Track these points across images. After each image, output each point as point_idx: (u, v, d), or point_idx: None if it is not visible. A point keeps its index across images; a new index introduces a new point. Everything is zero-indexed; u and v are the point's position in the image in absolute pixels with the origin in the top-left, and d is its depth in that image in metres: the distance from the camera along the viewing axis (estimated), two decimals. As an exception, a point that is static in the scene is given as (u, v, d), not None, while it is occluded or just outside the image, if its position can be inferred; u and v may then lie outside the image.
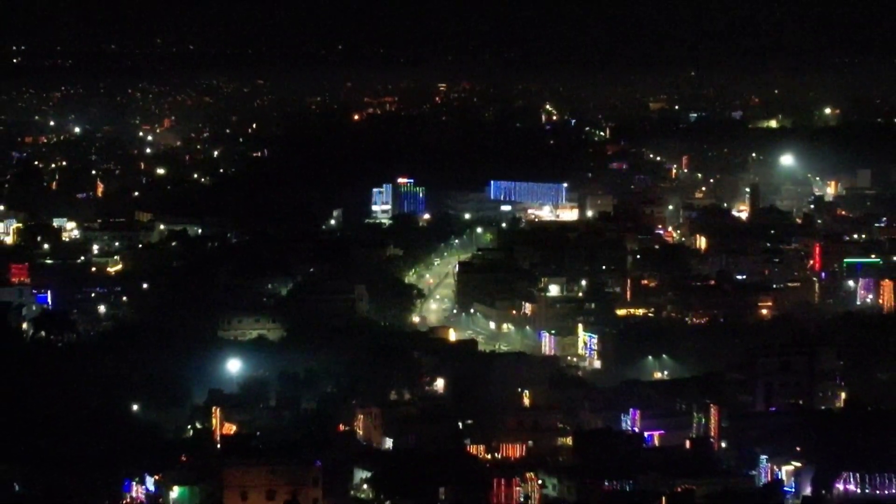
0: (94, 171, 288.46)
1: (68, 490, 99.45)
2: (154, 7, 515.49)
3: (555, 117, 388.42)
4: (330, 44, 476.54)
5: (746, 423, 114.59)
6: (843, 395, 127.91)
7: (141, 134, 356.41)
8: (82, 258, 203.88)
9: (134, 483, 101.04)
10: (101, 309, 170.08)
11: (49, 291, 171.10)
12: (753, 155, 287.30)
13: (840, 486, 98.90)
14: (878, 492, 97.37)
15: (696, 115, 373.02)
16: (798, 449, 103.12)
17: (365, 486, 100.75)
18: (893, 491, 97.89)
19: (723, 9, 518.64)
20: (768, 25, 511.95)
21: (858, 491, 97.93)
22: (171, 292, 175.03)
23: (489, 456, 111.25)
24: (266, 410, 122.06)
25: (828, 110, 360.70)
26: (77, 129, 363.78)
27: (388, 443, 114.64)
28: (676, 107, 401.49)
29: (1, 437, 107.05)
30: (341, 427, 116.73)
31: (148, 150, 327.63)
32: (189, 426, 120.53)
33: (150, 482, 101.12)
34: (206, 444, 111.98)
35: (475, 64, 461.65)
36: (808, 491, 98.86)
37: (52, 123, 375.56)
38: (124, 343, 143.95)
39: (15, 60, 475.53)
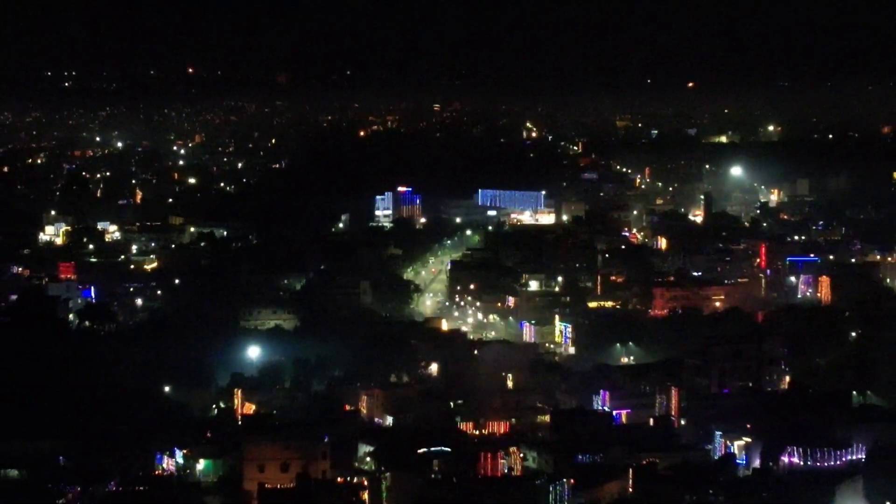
0: (133, 181, 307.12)
1: (107, 463, 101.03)
2: (188, 38, 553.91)
3: (534, 134, 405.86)
4: (340, 70, 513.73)
5: (703, 403, 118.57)
6: (787, 378, 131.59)
7: (175, 148, 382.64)
8: (122, 257, 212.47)
9: (165, 456, 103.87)
10: (138, 302, 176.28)
11: (93, 286, 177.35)
12: (707, 166, 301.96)
13: (785, 459, 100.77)
14: (818, 464, 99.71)
15: (656, 131, 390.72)
16: (748, 426, 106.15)
17: (368, 459, 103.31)
18: (832, 463, 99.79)
19: (680, 39, 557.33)
20: (720, 52, 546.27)
21: (801, 463, 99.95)
22: (199, 287, 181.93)
23: (477, 432, 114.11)
24: (281, 392, 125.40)
25: (771, 127, 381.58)
26: (119, 144, 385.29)
27: (389, 420, 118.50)
28: (640, 124, 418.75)
29: (47, 417, 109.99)
30: (347, 407, 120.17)
31: (181, 162, 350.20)
32: (213, 406, 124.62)
33: (178, 455, 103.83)
34: (229, 422, 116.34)
35: (464, 87, 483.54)
36: (756, 463, 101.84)
37: (97, 139, 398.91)
38: (157, 332, 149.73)
39: (66, 84, 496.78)
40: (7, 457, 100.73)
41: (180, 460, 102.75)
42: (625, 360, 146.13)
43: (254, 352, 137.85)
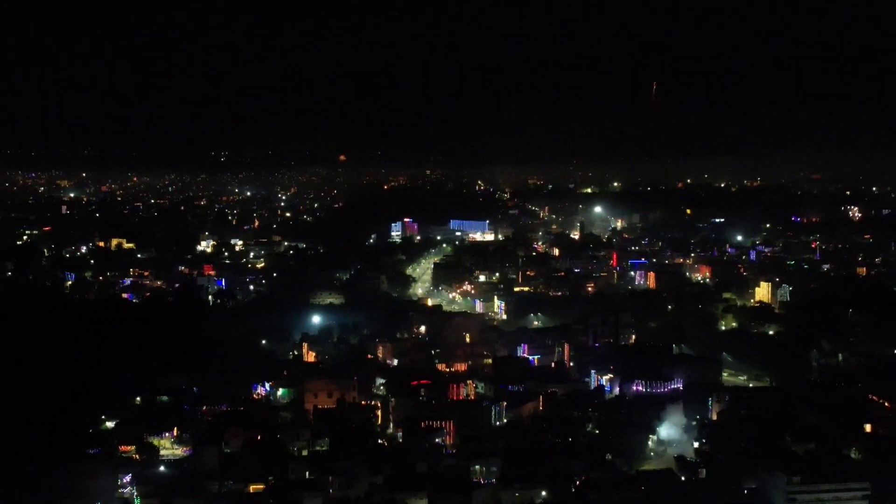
0: (254, 214, 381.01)
1: (222, 391, 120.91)
2: (290, 131, 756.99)
3: (482, 187, 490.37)
4: (373, 151, 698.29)
5: (583, 353, 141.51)
6: (633, 336, 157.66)
7: (279, 196, 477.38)
8: (243, 260, 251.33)
9: (259, 386, 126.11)
10: (250, 288, 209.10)
11: (223, 279, 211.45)
12: (580, 206, 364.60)
13: (634, 388, 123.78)
14: (654, 391, 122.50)
15: (551, 185, 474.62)
16: (611, 367, 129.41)
17: (381, 388, 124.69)
18: (662, 391, 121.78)
19: (567, 130, 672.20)
20: (588, 137, 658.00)
21: (644, 390, 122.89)
22: (286, 278, 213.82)
23: (448, 370, 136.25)
24: (331, 345, 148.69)
25: (615, 183, 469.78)
26: (248, 193, 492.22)
27: (395, 362, 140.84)
28: (542, 182, 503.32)
29: (187, 361, 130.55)
30: (369, 355, 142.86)
31: (282, 204, 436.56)
32: (290, 353, 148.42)
33: (266, 386, 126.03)
34: (298, 365, 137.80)
35: (443, 161, 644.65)
36: (616, 391, 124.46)
37: (236, 190, 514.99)
38: (259, 306, 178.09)
39: (221, 158, 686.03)
40: (161, 388, 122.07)
41: (267, 389, 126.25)
42: (536, 324, 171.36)
43: (315, 319, 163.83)
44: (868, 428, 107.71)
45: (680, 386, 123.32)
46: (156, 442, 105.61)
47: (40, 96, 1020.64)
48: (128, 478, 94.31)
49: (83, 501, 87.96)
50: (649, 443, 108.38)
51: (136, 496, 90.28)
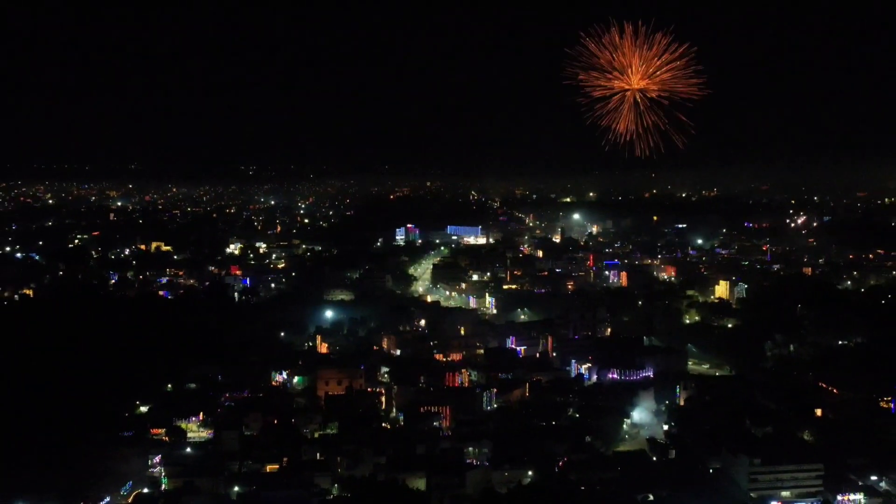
0: (276, 220, 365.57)
1: (244, 378, 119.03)
2: (310, 149, 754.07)
3: (475, 197, 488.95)
4: (381, 165, 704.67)
5: (564, 344, 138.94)
6: (609, 329, 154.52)
7: (299, 204, 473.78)
8: (267, 261, 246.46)
9: (276, 374, 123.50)
10: (272, 285, 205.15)
11: (248, 277, 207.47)
12: (560, 213, 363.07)
13: (609, 375, 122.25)
14: (627, 378, 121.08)
15: (535, 195, 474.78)
16: (590, 357, 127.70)
17: (385, 376, 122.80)
18: (635, 378, 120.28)
19: (550, 148, 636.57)
20: (565, 156, 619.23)
21: (618, 378, 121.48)
22: (303, 277, 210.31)
23: (445, 359, 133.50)
24: (341, 337, 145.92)
25: (591, 194, 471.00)
26: (272, 202, 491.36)
27: (398, 352, 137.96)
28: (528, 192, 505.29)
29: (215, 352, 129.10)
30: (376, 347, 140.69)
31: (301, 211, 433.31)
32: (305, 344, 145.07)
33: (284, 374, 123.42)
34: (312, 355, 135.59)
35: (442, 174, 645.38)
36: (594, 378, 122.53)
37: (262, 200, 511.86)
38: (280, 302, 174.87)
39: (250, 172, 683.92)
40: (190, 376, 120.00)
41: (284, 377, 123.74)
42: (523, 318, 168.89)
43: (328, 313, 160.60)
44: (819, 412, 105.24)
45: (650, 374, 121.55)
46: (183, 425, 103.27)
47: (96, 119, 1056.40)
48: (157, 458, 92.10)
49: (116, 481, 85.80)
50: (624, 426, 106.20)
51: (164, 476, 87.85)
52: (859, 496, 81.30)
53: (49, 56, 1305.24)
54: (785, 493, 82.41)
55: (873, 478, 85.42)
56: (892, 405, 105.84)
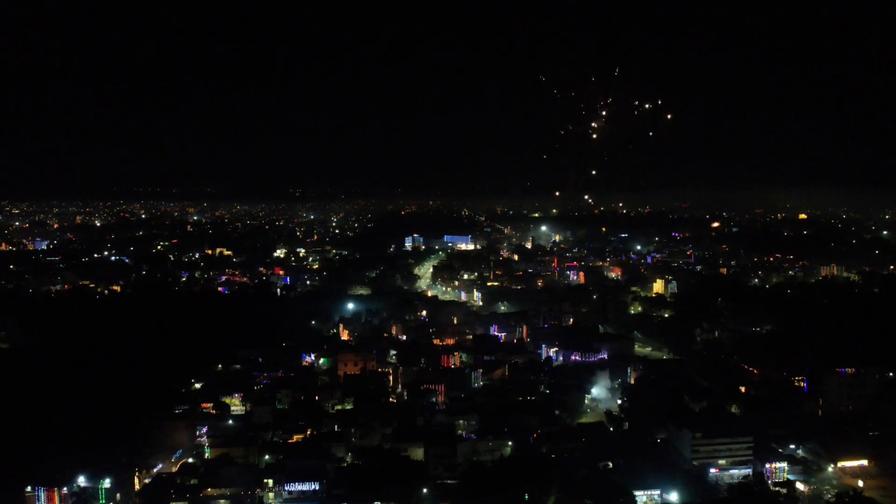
0: (313, 230, 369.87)
1: (280, 360, 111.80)
2: (342, 173, 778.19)
3: (466, 213, 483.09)
4: (396, 189, 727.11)
5: (536, 331, 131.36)
6: (571, 319, 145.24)
7: (331, 218, 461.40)
8: (304, 263, 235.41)
9: (306, 356, 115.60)
10: (307, 283, 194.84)
11: (288, 276, 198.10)
12: (531, 225, 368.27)
13: (572, 357, 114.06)
14: (587, 360, 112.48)
15: (512, 212, 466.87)
16: (556, 342, 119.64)
17: (393, 358, 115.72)
18: (593, 360, 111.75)
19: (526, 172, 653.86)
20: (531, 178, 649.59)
21: (580, 359, 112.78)
22: (331, 276, 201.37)
23: (441, 343, 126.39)
24: (359, 325, 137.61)
25: (554, 210, 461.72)
26: (311, 217, 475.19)
27: (404, 338, 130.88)
28: (506, 209, 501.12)
29: (257, 337, 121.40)
30: (386, 334, 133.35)
31: (333, 224, 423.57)
32: (331, 331, 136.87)
33: (312, 356, 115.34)
34: (335, 340, 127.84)
35: (441, 194, 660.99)
36: (560, 360, 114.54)
37: (304, 215, 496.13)
38: (312, 297, 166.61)
39: (296, 194, 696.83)
40: (236, 357, 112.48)
41: (312, 358, 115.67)
42: (503, 309, 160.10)
43: (350, 305, 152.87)
44: (743, 390, 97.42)
45: (605, 356, 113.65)
46: (227, 401, 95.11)
47: (184, 152, 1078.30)
48: (204, 429, 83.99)
49: (169, 451, 78.24)
50: (585, 400, 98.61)
51: (207, 446, 80.00)
52: (783, 464, 73.21)
53: (149, 104, 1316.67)
54: (721, 462, 74.51)
55: (791, 446, 77.89)
56: (803, 384, 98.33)
